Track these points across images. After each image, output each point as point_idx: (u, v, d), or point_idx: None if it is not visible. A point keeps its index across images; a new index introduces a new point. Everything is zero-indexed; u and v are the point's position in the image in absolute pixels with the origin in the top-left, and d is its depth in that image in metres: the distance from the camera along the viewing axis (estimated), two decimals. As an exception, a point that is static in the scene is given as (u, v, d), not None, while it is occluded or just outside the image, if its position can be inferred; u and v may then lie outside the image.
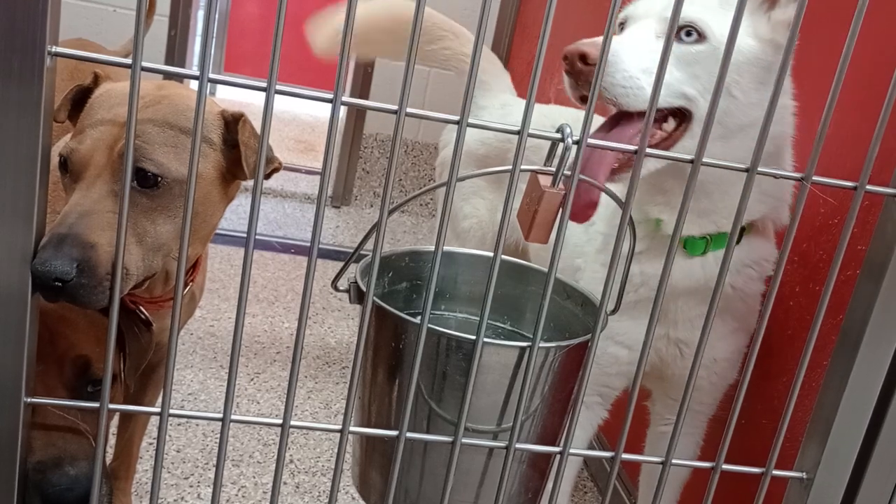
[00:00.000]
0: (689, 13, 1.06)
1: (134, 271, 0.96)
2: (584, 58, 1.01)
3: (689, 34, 1.06)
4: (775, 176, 0.77)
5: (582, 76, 1.03)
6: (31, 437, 0.88)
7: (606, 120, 1.11)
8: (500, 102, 1.84)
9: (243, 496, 1.70)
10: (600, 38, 1.02)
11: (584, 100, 1.06)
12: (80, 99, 1.06)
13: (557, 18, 0.68)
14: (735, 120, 1.07)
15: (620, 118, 1.09)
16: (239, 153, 1.05)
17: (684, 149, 1.09)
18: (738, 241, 1.16)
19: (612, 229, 1.28)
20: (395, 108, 0.66)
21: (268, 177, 1.02)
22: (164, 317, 1.20)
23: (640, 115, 1.07)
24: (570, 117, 1.63)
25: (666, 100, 1.06)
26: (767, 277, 1.23)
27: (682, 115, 1.09)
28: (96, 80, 1.06)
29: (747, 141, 1.09)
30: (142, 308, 1.15)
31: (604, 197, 1.28)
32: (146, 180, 0.96)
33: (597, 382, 1.28)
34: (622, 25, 1.16)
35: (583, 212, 1.02)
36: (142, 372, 1.39)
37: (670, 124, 1.09)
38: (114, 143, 0.96)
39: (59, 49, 0.63)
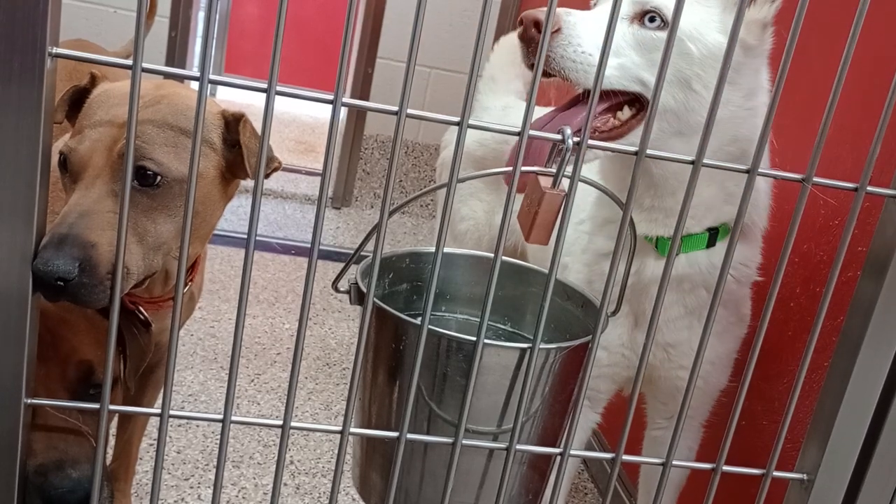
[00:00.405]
0: (655, 0, 1.04)
1: (135, 270, 0.97)
2: (538, 25, 0.99)
3: (652, 20, 1.04)
4: (775, 177, 0.77)
5: (533, 43, 1.01)
6: (33, 439, 0.88)
7: (564, 103, 1.10)
8: (502, 104, 1.84)
9: (244, 497, 1.70)
10: (561, 9, 1.01)
11: (534, 67, 1.04)
12: (77, 99, 1.06)
13: (558, 19, 0.68)
14: (695, 116, 1.05)
15: (578, 101, 1.07)
16: (238, 153, 1.05)
17: (638, 138, 1.07)
18: (713, 244, 1.15)
19: (595, 228, 1.27)
20: (395, 109, 0.66)
21: (267, 176, 1.02)
22: (163, 317, 1.20)
23: (599, 98, 1.05)
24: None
25: (621, 82, 1.04)
26: (754, 282, 1.23)
27: (639, 104, 1.07)
28: (93, 81, 1.06)
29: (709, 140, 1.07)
30: (141, 308, 1.15)
31: (589, 195, 1.28)
32: (146, 179, 0.96)
33: None
34: (595, 6, 1.14)
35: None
36: (141, 373, 1.39)
37: (626, 113, 1.08)
38: (113, 144, 0.96)
39: (60, 50, 0.62)
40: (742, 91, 1.08)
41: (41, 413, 0.90)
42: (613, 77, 1.04)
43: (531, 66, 1.04)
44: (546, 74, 1.04)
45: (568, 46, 1.01)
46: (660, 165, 1.11)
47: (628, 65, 1.04)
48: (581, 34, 1.02)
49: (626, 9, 1.06)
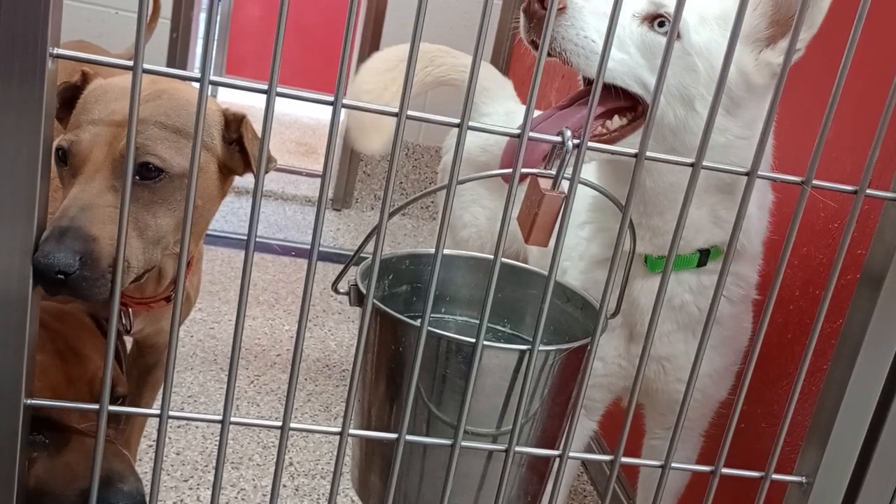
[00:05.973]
0: (671, 6, 1.02)
1: (135, 264, 0.97)
2: (542, 0, 0.97)
3: (661, 24, 1.02)
4: (774, 179, 0.77)
5: (535, 18, 0.98)
6: (75, 462, 0.89)
7: (566, 99, 1.08)
8: (504, 110, 1.84)
9: (243, 499, 1.70)
10: None
11: (534, 45, 1.02)
12: (68, 97, 1.05)
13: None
14: (692, 137, 1.04)
15: (576, 100, 1.05)
16: (235, 151, 1.06)
17: (630, 144, 1.04)
18: (704, 264, 1.14)
19: (591, 235, 1.26)
20: (395, 110, 0.66)
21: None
22: (158, 318, 1.20)
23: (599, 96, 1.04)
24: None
25: (623, 79, 1.02)
26: (754, 300, 1.23)
27: (632, 114, 1.05)
28: (85, 78, 1.06)
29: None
30: (128, 311, 1.14)
31: (586, 199, 1.28)
32: (148, 172, 0.96)
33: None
34: None
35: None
36: (139, 374, 1.39)
37: (615, 122, 1.06)
38: (113, 139, 0.95)
39: (61, 51, 0.63)
40: (741, 122, 1.06)
41: (79, 436, 0.90)
42: (616, 71, 1.02)
43: (531, 43, 1.01)
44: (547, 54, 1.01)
45: (570, 28, 0.98)
46: (654, 179, 1.10)
47: (630, 62, 1.02)
48: (586, 18, 0.99)
49: (639, 6, 1.04)
